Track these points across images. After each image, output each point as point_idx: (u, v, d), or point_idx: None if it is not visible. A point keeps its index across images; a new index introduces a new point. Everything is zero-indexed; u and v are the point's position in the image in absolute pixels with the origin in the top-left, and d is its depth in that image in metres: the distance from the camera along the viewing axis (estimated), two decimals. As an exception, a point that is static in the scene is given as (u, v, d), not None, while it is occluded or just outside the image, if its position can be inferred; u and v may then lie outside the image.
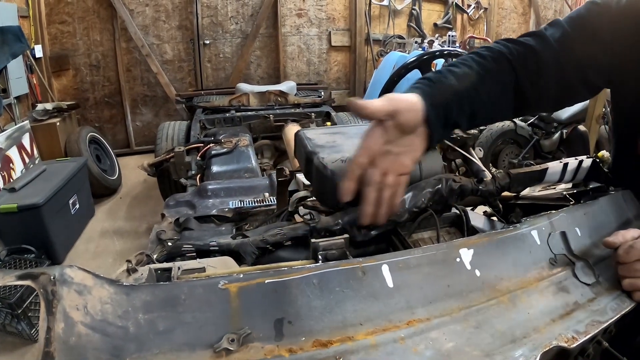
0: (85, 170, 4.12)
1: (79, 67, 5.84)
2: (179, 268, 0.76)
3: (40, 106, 4.73)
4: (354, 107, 0.85)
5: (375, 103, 0.85)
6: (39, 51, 5.23)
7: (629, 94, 1.10)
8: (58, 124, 4.65)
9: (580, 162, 1.17)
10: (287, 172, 1.39)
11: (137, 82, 6.11)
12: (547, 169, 1.13)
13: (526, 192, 1.24)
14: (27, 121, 4.19)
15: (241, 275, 0.65)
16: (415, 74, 1.96)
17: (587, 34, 1.03)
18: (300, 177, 1.34)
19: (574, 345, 0.70)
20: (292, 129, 3.71)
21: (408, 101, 0.87)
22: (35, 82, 5.06)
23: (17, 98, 4.59)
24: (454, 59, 1.07)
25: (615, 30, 1.01)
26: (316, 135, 1.11)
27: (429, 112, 0.88)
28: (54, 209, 3.35)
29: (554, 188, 1.32)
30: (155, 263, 0.82)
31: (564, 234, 0.92)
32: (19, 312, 2.50)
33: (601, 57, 1.03)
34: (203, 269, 0.78)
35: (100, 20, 5.76)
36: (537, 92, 1.04)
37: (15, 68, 4.50)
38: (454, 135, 1.37)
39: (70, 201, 3.72)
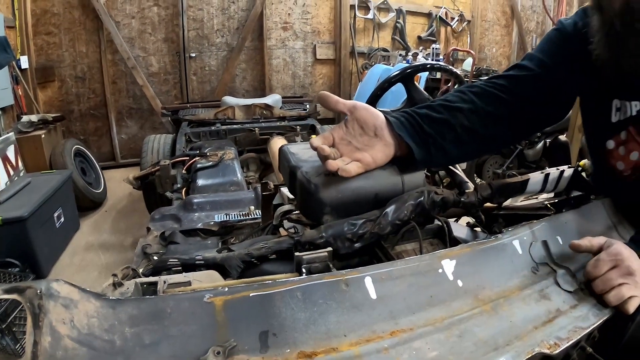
0: (70, 183, 4.09)
1: (64, 78, 5.81)
2: (164, 282, 0.76)
3: (25, 118, 4.69)
4: (322, 97, 0.99)
5: (339, 98, 1.00)
6: (24, 62, 5.19)
7: (592, 109, 1.16)
8: (43, 136, 4.61)
9: (562, 172, 1.19)
10: (272, 186, 1.40)
11: (122, 95, 6.09)
12: (528, 179, 1.15)
13: (509, 202, 1.26)
14: (12, 133, 4.15)
15: (226, 289, 0.66)
16: (399, 87, 1.98)
17: (558, 57, 1.12)
18: (285, 191, 1.36)
19: (557, 351, 0.72)
20: (277, 142, 3.72)
21: (368, 106, 1.00)
22: (20, 93, 5.02)
23: (2, 109, 4.57)
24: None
25: (574, 49, 1.10)
26: (300, 150, 1.13)
27: (394, 122, 1.00)
28: (38, 222, 3.32)
29: (537, 198, 1.34)
30: (141, 277, 0.82)
31: (545, 243, 0.93)
32: (4, 326, 2.45)
33: (571, 74, 1.12)
34: (189, 283, 0.78)
35: (86, 32, 5.75)
36: (526, 115, 1.13)
37: (1, 79, 4.47)
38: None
39: (55, 214, 3.68)
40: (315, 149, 0.96)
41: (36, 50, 5.56)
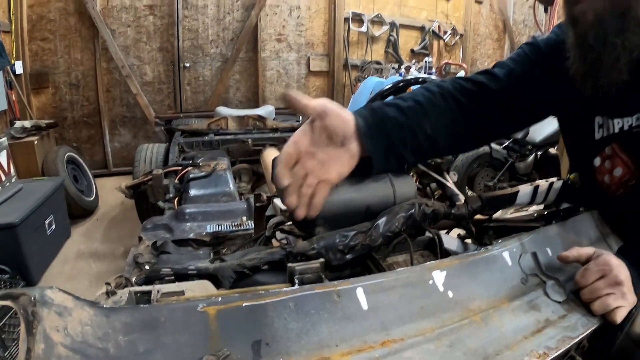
0: (62, 190, 4.07)
1: (58, 85, 5.79)
2: (158, 291, 0.77)
3: (18, 123, 4.67)
4: (288, 98, 0.92)
5: (309, 99, 0.93)
6: (19, 67, 5.17)
7: (574, 127, 1.19)
8: (36, 142, 4.58)
9: (551, 184, 1.21)
10: (265, 198, 1.40)
11: (116, 103, 6.08)
12: (518, 191, 1.17)
13: (499, 214, 1.27)
14: (5, 138, 4.13)
15: (220, 299, 0.66)
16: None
17: (529, 69, 1.14)
18: (277, 202, 1.36)
19: None
20: (270, 153, 3.73)
21: (340, 111, 0.93)
22: (14, 98, 5.00)
23: (-5, 114, 4.54)
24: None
25: (549, 65, 1.12)
26: None
27: (364, 132, 0.95)
28: (29, 229, 3.30)
29: (527, 210, 1.36)
30: (134, 286, 0.83)
31: (534, 254, 0.95)
32: (-7, 333, 2.44)
33: (543, 89, 1.14)
34: (182, 292, 0.79)
35: (81, 39, 5.74)
36: (489, 123, 1.14)
37: (-5, 84, 4.45)
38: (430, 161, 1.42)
39: (47, 221, 3.66)
40: (278, 184, 0.90)
41: (31, 56, 5.55)
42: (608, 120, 1.07)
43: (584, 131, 1.13)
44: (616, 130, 1.05)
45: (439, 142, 1.09)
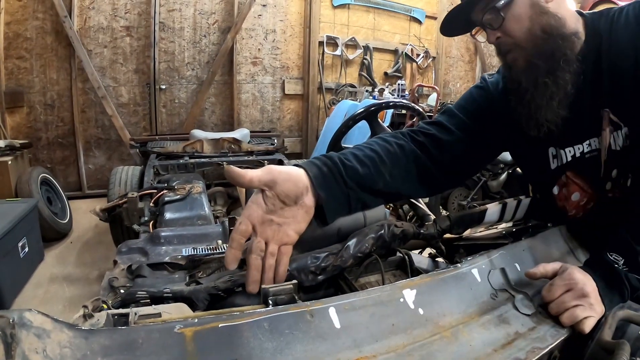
0: (35, 212, 3.98)
1: (33, 105, 5.70)
2: (135, 313, 0.77)
3: (-8, 143, 4.59)
4: (231, 175, 0.89)
5: (252, 172, 0.90)
6: (-6, 85, 5.09)
7: (530, 160, 1.24)
8: (10, 162, 4.49)
9: (519, 201, 1.25)
10: (239, 221, 1.41)
11: (91, 124, 6.01)
12: (486, 210, 1.20)
13: (469, 232, 1.31)
14: (-22, 158, 4.07)
15: (196, 320, 0.68)
16: (365, 123, 2.05)
17: (478, 116, 1.20)
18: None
19: None
20: (246, 176, 3.73)
21: (288, 173, 0.92)
22: (-12, 117, 4.92)
23: (-31, 134, 4.45)
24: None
25: (498, 108, 1.17)
26: None
27: (319, 184, 0.95)
28: (2, 252, 3.22)
29: (496, 227, 1.40)
30: (110, 309, 0.83)
31: (503, 270, 0.98)
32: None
33: (493, 133, 1.19)
34: (159, 315, 0.79)
35: (57, 59, 5.67)
36: (442, 172, 1.18)
37: (-30, 102, 4.37)
38: None
39: (20, 244, 3.58)
40: (229, 266, 0.90)
41: (6, 74, 5.45)
42: (559, 151, 1.12)
43: (539, 163, 1.18)
44: (569, 158, 1.11)
45: (399, 189, 1.12)
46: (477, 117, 1.19)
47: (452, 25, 1.18)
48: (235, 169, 0.88)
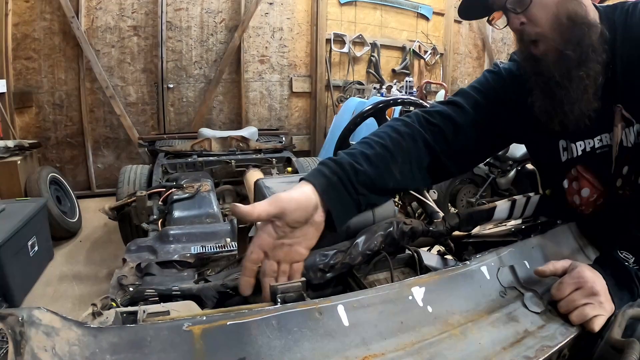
0: (45, 211, 4.01)
1: (42, 105, 5.74)
2: (144, 311, 0.78)
3: (1, 143, 4.59)
4: (238, 213, 0.88)
5: (260, 207, 0.88)
6: (2, 86, 5.10)
7: (541, 151, 1.22)
8: (19, 162, 4.52)
9: (528, 198, 1.24)
10: (247, 219, 1.41)
11: (99, 124, 6.05)
12: (495, 207, 1.19)
13: (478, 230, 1.30)
14: (-12, 158, 4.10)
15: (204, 318, 0.68)
16: (373, 120, 2.04)
17: (493, 99, 1.17)
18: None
19: None
20: (253, 175, 3.74)
21: (297, 200, 0.90)
22: (-3, 117, 4.95)
23: (-22, 134, 4.47)
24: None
25: (511, 95, 1.15)
26: (274, 183, 1.16)
27: (328, 197, 0.94)
28: (12, 251, 3.25)
29: (505, 225, 1.39)
30: (120, 307, 0.83)
31: (512, 268, 0.97)
32: (-22, 355, 2.40)
33: (506, 118, 1.17)
34: (168, 312, 0.80)
35: (65, 59, 5.71)
36: (454, 158, 1.16)
37: (-22, 103, 4.40)
38: None
39: (29, 243, 3.60)
40: (244, 293, 0.88)
41: (15, 75, 5.50)
42: (570, 144, 1.10)
43: (550, 154, 1.16)
44: (579, 152, 1.09)
45: (408, 185, 1.12)
46: (491, 99, 1.17)
47: (471, 8, 1.14)
48: (241, 207, 0.87)
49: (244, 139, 4.46)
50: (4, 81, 5.15)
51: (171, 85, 6.23)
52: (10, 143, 4.67)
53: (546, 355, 0.79)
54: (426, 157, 1.12)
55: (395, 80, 7.14)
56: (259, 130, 5.20)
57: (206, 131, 4.72)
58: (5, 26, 5.21)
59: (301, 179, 0.96)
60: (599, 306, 0.88)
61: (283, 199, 0.89)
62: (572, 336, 0.86)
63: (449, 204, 4.62)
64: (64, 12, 5.46)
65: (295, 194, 0.91)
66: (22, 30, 5.46)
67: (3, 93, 5.13)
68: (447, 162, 1.15)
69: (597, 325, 0.87)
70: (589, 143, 1.08)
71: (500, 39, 9.00)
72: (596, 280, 0.91)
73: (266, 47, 6.68)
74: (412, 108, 5.42)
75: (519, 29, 1.03)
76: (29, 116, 5.72)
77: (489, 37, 8.78)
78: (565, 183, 1.14)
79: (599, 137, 1.07)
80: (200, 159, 4.09)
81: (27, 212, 3.59)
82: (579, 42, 0.98)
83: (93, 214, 4.98)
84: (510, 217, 1.24)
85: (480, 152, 1.26)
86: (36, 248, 3.72)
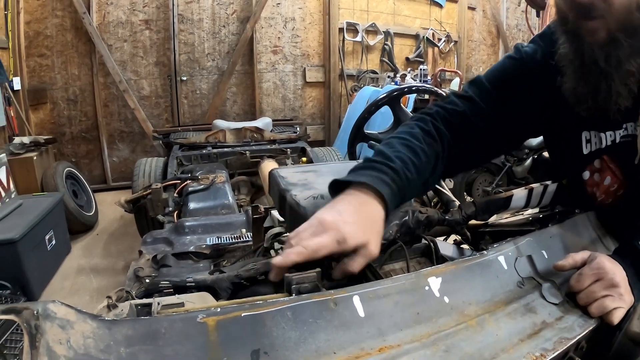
0: (61, 205, 4.07)
1: (56, 101, 5.83)
2: (158, 303, 0.78)
3: (17, 139, 4.68)
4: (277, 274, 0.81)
5: (315, 244, 0.79)
6: (17, 83, 5.19)
7: (560, 142, 1.19)
8: (35, 158, 4.59)
9: (546, 187, 1.21)
10: (262, 209, 1.41)
11: (114, 118, 6.11)
12: (512, 195, 1.17)
13: (495, 219, 1.28)
14: (4, 154, 4.14)
15: (219, 309, 0.67)
16: (387, 109, 2.03)
17: (508, 89, 1.13)
18: (275, 213, 1.38)
19: None
20: (268, 165, 3.75)
21: (355, 239, 0.82)
22: (12, 114, 5.02)
23: (-6, 130, 4.55)
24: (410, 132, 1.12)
25: (533, 83, 1.11)
26: (289, 173, 1.15)
27: (390, 210, 0.91)
28: (30, 245, 3.30)
29: (522, 214, 1.37)
30: (135, 299, 0.84)
31: (530, 258, 0.96)
32: (-5, 349, 2.44)
33: (522, 107, 1.13)
34: (182, 304, 0.80)
35: (78, 55, 5.78)
36: (470, 158, 1.17)
37: (-7, 100, 4.46)
38: None
39: (47, 237, 3.67)
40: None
41: (29, 72, 5.58)
42: (599, 134, 1.07)
43: (570, 146, 1.13)
44: (608, 142, 1.06)
45: (432, 185, 1.13)
46: (509, 92, 1.13)
47: None
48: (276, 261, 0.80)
49: (258, 130, 4.47)
50: (18, 79, 5.24)
51: (184, 78, 6.25)
52: (26, 139, 4.75)
53: (564, 348, 0.78)
54: (448, 160, 1.11)
55: (409, 69, 7.08)
56: (273, 120, 5.20)
57: (220, 123, 4.73)
58: (17, 24, 5.29)
59: (362, 182, 0.90)
60: (619, 298, 0.86)
61: (343, 229, 0.81)
62: (591, 328, 0.84)
63: (465, 193, 4.59)
64: (76, 9, 5.51)
65: (355, 234, 0.83)
66: (34, 28, 5.53)
67: (17, 90, 5.21)
68: (464, 162, 1.16)
69: (617, 317, 0.85)
70: (619, 133, 1.04)
71: (515, 25, 8.89)
72: (616, 271, 0.89)
73: (279, 37, 6.67)
74: (426, 96, 5.38)
75: (588, 1, 0.92)
76: (44, 112, 5.79)
77: (503, 24, 8.67)
78: (586, 175, 1.12)
79: (625, 126, 1.04)
80: (215, 150, 4.11)
81: (44, 207, 3.64)
82: (634, 30, 0.90)
83: (109, 207, 5.04)
84: (527, 205, 1.22)
85: (493, 151, 1.26)
86: (53, 242, 3.78)
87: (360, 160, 1.05)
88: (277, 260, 0.78)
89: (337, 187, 0.93)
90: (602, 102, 0.98)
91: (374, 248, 0.85)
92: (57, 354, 0.54)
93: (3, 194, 3.72)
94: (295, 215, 0.99)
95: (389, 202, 0.90)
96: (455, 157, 1.13)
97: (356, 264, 0.82)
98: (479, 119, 1.12)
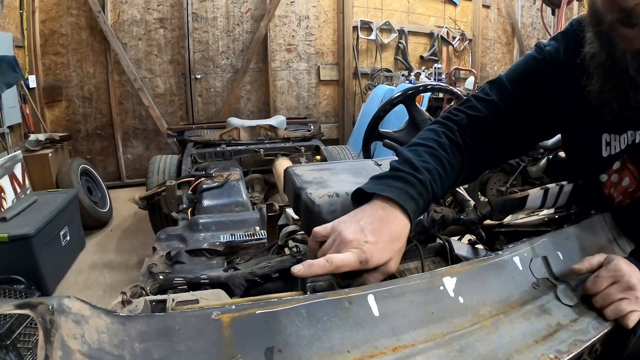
0: (76, 202, 4.12)
1: (71, 98, 5.89)
2: (173, 300, 0.78)
3: (32, 136, 4.76)
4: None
5: (337, 260, 0.78)
6: (32, 81, 5.27)
7: (579, 144, 1.17)
8: (50, 154, 4.66)
9: (561, 187, 1.20)
10: (277, 207, 1.42)
11: (128, 115, 6.16)
12: (527, 196, 1.16)
13: (510, 219, 1.27)
14: (20, 151, 4.20)
15: (233, 307, 0.67)
16: (402, 107, 2.02)
17: (530, 90, 1.11)
18: (290, 211, 1.38)
19: None
20: (282, 163, 3.75)
21: (378, 260, 0.82)
22: (28, 112, 5.09)
23: (10, 127, 4.62)
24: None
25: (556, 83, 1.09)
26: (304, 171, 1.15)
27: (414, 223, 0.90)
28: (44, 240, 3.34)
29: (537, 214, 1.35)
30: (149, 295, 0.84)
31: (545, 259, 0.95)
32: (8, 342, 2.47)
33: (544, 109, 1.11)
34: (197, 301, 0.80)
35: (93, 53, 5.84)
36: (487, 160, 1.16)
37: (9, 97, 4.54)
38: None
39: (61, 233, 3.71)
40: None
41: (44, 70, 5.65)
42: (619, 137, 1.05)
43: (590, 148, 1.10)
44: (629, 142, 1.04)
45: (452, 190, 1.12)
46: (531, 94, 1.11)
47: None
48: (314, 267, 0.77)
49: (272, 128, 4.47)
50: (33, 77, 5.31)
51: (199, 76, 6.29)
52: (42, 136, 4.82)
53: (579, 350, 0.77)
54: (467, 167, 1.10)
55: (423, 67, 7.05)
56: (287, 119, 5.21)
57: (234, 120, 4.75)
58: (32, 23, 5.36)
59: (384, 195, 0.88)
60: (635, 301, 0.85)
61: (369, 250, 0.81)
62: (606, 331, 0.83)
63: (479, 193, 4.56)
64: (90, 7, 5.57)
65: (388, 239, 0.84)
66: (50, 27, 5.60)
67: (33, 88, 5.29)
68: (481, 167, 1.15)
69: (632, 321, 0.84)
70: (639, 134, 1.03)
71: (530, 23, 8.82)
72: (633, 273, 0.88)
73: (293, 35, 6.68)
74: (441, 95, 5.34)
75: (632, 6, 0.87)
76: (59, 110, 5.86)
77: (518, 22, 8.61)
78: (604, 177, 1.10)
79: None
80: (229, 148, 4.12)
81: (59, 203, 3.69)
82: None
83: (123, 203, 5.08)
84: (542, 206, 1.21)
85: (512, 153, 1.24)
86: (68, 238, 3.82)
87: (375, 159, 1.04)
88: (299, 270, 0.77)
89: (361, 195, 0.92)
90: (628, 108, 0.96)
91: (394, 266, 0.85)
92: (72, 349, 0.55)
93: (18, 190, 3.78)
94: (310, 213, 0.98)
95: (414, 218, 0.89)
96: (477, 164, 1.12)
97: (373, 279, 0.82)
98: (500, 124, 1.11)
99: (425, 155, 1.00)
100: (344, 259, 0.78)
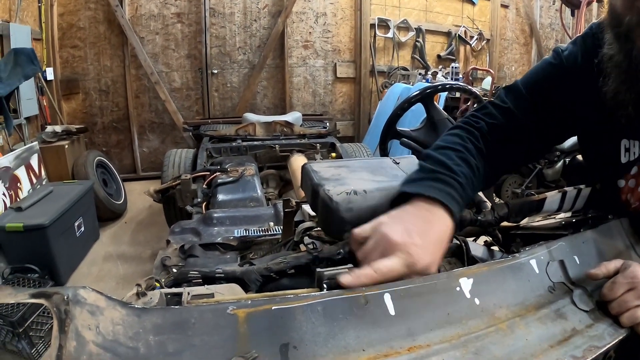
0: (91, 193, 4.16)
1: (88, 91, 5.96)
2: (188, 293, 0.78)
3: (49, 128, 4.81)
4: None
5: (386, 266, 0.78)
6: (50, 74, 5.33)
7: (597, 149, 1.15)
8: (66, 146, 4.72)
9: (579, 190, 1.19)
10: (293, 203, 1.42)
11: (145, 109, 6.21)
12: (545, 198, 1.15)
13: (527, 221, 1.26)
14: (36, 142, 4.26)
15: (249, 302, 0.67)
16: (419, 106, 2.01)
17: (547, 97, 1.10)
18: (306, 208, 1.38)
19: None
20: (297, 160, 3.76)
21: (423, 264, 0.81)
22: (45, 104, 5.16)
23: (27, 119, 4.68)
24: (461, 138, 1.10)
25: (573, 88, 1.07)
26: (322, 168, 1.15)
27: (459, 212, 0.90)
28: (59, 231, 3.39)
29: (554, 217, 1.34)
30: (164, 288, 0.85)
31: (562, 263, 0.94)
32: (20, 330, 2.50)
33: (561, 115, 1.10)
34: (212, 295, 0.80)
35: (111, 47, 5.90)
36: (503, 167, 1.15)
37: (27, 89, 4.59)
38: None
39: (76, 223, 3.76)
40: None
41: (62, 63, 5.72)
42: (637, 143, 1.04)
43: (608, 154, 1.09)
44: None
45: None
46: (547, 100, 1.10)
47: None
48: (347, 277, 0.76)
49: (288, 124, 4.47)
50: (51, 69, 5.37)
51: (215, 71, 6.31)
52: (58, 128, 4.88)
53: (594, 356, 0.76)
54: (488, 170, 1.10)
55: (440, 66, 7.00)
56: (303, 115, 5.21)
57: (250, 116, 4.76)
58: (51, 16, 5.42)
59: (427, 196, 0.87)
60: None
61: (414, 253, 0.80)
62: (621, 337, 0.82)
63: (494, 194, 4.52)
64: (108, 2, 5.62)
65: (424, 261, 0.82)
66: (68, 20, 5.65)
67: (51, 80, 5.35)
68: (500, 174, 1.15)
69: None
70: None
71: (549, 24, 8.71)
72: None
73: (310, 32, 6.67)
74: (457, 94, 5.30)
75: None
76: (76, 102, 5.92)
77: (537, 23, 8.50)
78: (621, 182, 1.09)
79: None
80: (245, 143, 4.13)
81: (74, 194, 3.73)
82: None
83: (138, 196, 5.13)
84: (560, 209, 1.20)
85: (530, 157, 1.25)
86: (82, 229, 3.86)
87: (393, 157, 1.03)
88: (347, 280, 0.75)
89: (401, 195, 0.91)
90: None
91: (434, 269, 0.83)
92: (86, 339, 0.55)
93: (34, 180, 3.83)
94: (327, 210, 0.98)
95: (457, 220, 0.88)
96: (496, 170, 1.12)
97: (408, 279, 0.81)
98: (517, 132, 1.10)
99: (457, 159, 1.00)
100: (391, 267, 0.78)
